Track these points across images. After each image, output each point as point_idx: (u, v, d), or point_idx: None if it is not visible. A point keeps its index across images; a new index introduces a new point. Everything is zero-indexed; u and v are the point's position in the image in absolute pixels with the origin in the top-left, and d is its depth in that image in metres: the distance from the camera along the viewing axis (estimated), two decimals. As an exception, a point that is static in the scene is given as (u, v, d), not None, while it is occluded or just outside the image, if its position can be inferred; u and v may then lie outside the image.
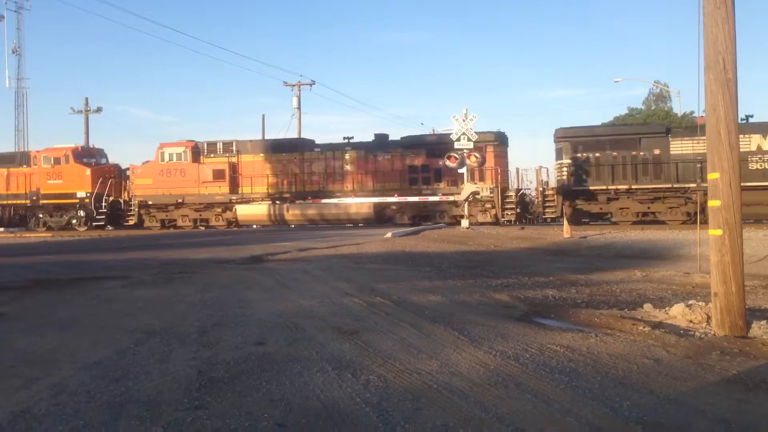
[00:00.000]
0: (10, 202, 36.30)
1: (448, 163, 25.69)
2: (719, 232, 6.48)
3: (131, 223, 34.79)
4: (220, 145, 33.83)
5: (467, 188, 25.80)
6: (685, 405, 4.28)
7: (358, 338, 6.27)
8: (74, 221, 35.48)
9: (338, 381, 4.85)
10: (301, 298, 8.91)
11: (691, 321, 6.84)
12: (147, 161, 35.36)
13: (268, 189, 33.22)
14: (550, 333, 6.48)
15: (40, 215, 35.98)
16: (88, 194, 34.66)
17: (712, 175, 6.55)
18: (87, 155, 36.65)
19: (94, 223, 34.73)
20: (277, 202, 32.86)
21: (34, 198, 35.41)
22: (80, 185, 35.01)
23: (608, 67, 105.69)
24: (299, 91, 48.31)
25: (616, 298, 8.97)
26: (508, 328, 6.73)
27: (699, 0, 6.67)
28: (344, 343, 6.06)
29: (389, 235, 21.12)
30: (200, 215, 34.51)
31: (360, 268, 12.77)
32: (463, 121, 24.55)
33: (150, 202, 34.36)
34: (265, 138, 39.09)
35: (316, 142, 34.72)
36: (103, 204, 34.53)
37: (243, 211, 33.12)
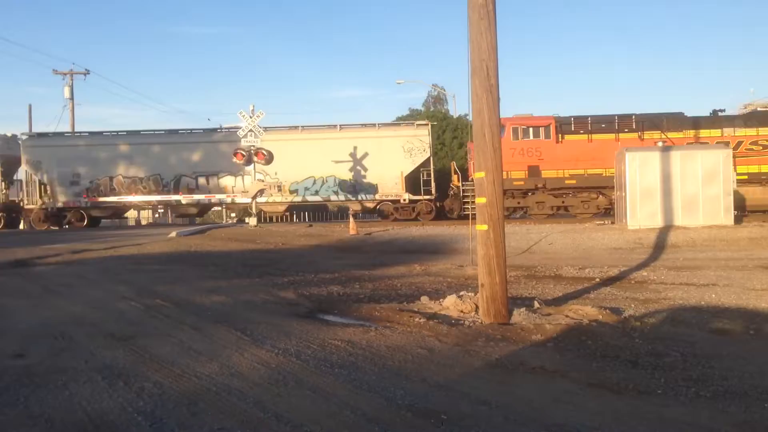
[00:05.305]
0: None
1: (235, 160, 25.02)
2: (485, 227, 7.02)
3: None
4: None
5: (254, 186, 25.44)
6: (452, 390, 4.56)
7: (134, 344, 5.94)
8: None
9: (108, 391, 4.54)
10: (71, 304, 8.25)
11: (461, 311, 7.32)
12: None
13: None
14: (332, 329, 6.59)
15: None
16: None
17: (479, 174, 7.06)
18: None
19: None
20: None
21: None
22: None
23: (394, 70, 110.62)
24: (72, 80, 44.59)
25: (396, 292, 9.36)
26: (292, 325, 6.75)
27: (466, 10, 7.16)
28: (117, 350, 5.70)
29: (173, 234, 20.24)
30: None
31: (140, 269, 12.10)
32: (251, 117, 24.19)
33: None
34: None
35: None
36: None
37: None
